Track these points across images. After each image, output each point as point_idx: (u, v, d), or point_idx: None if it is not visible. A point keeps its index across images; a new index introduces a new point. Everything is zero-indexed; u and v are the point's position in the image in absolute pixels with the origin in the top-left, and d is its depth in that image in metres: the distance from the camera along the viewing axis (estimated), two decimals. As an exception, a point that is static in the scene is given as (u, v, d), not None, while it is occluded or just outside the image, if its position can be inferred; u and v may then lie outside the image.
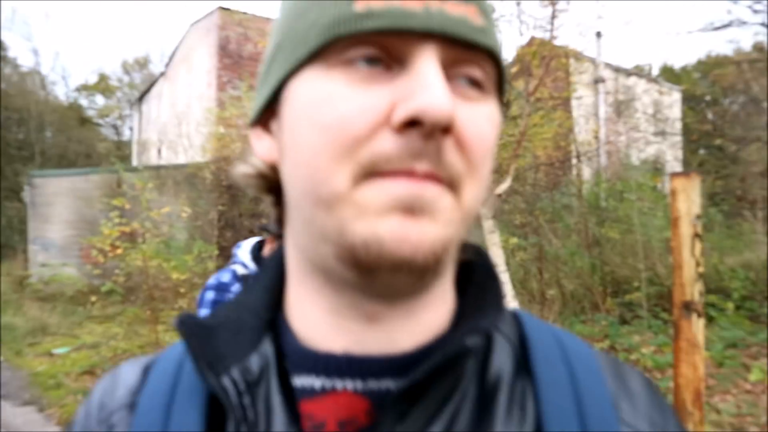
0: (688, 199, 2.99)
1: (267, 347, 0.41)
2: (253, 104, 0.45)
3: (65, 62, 50.04)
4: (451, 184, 0.36)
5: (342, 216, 0.36)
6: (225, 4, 14.00)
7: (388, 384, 0.39)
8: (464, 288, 0.45)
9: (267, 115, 0.43)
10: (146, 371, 0.46)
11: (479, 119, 0.38)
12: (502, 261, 5.54)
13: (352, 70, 0.36)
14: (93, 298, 8.30)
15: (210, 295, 2.04)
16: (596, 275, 7.72)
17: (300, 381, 0.40)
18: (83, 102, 30.45)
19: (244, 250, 2.19)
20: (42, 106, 22.80)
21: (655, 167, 14.83)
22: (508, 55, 5.82)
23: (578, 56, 6.22)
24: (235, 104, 11.39)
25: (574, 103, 14.93)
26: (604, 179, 9.39)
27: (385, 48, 0.36)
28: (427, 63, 0.35)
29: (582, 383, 0.42)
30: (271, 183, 0.44)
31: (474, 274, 0.45)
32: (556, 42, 5.61)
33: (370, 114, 0.35)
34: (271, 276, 0.46)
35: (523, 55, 5.55)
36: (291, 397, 0.40)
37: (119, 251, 6.60)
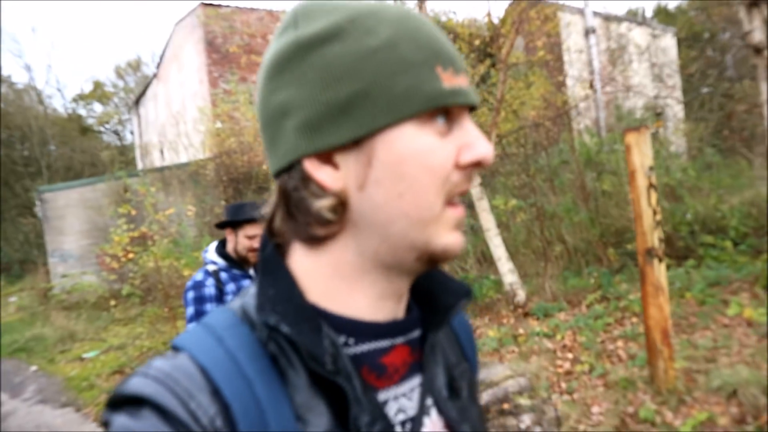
0: (641, 153, 3.19)
1: (328, 331, 0.51)
2: (308, 139, 0.50)
3: (59, 74, 50.17)
4: None
5: (430, 232, 0.51)
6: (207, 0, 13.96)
7: (413, 335, 0.58)
8: None
9: (332, 150, 0.51)
10: (203, 372, 0.48)
11: None
12: (494, 224, 5.73)
13: (434, 125, 0.51)
14: (113, 302, 8.59)
15: (191, 294, 2.34)
16: (595, 229, 7.85)
17: (371, 345, 0.54)
18: (82, 111, 30.60)
19: (211, 252, 2.49)
20: (42, 120, 22.88)
21: (656, 112, 14.77)
22: (482, 24, 5.94)
23: (549, 15, 6.26)
24: (227, 99, 11.52)
25: (566, 58, 14.86)
26: (593, 132, 9.45)
27: (448, 111, 0.52)
28: (470, 122, 0.53)
29: (464, 326, 0.72)
30: (340, 207, 0.53)
31: None
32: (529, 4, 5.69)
33: (452, 159, 0.51)
34: (289, 279, 0.55)
35: (495, 24, 5.67)
36: (357, 362, 0.53)
37: (131, 256, 6.86)
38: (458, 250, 0.53)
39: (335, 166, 0.51)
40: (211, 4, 13.94)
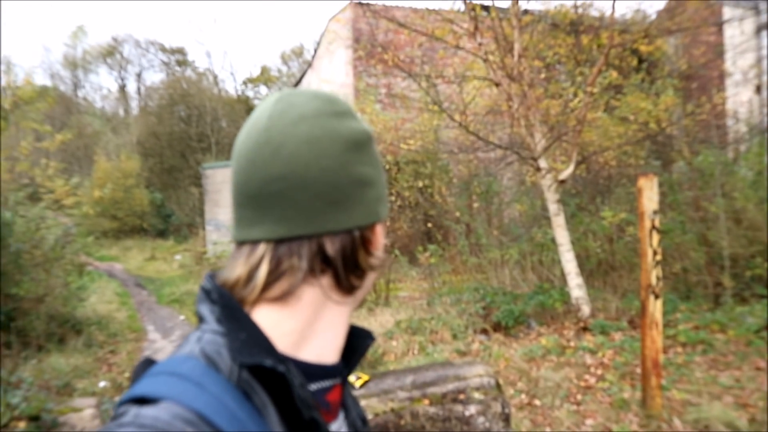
0: (649, 198, 3.45)
1: (297, 373, 0.56)
2: (382, 209, 0.65)
3: (232, 59, 56.63)
4: None
5: None
6: (358, -1, 15.08)
7: (341, 374, 0.65)
8: None
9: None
10: (203, 417, 0.49)
11: None
12: (567, 240, 6.00)
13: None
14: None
15: None
16: (699, 252, 7.55)
17: (320, 384, 0.61)
18: (250, 93, 34.18)
19: None
20: (215, 101, 26.24)
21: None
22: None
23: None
24: (370, 91, 12.52)
25: (728, 63, 13.69)
26: (715, 148, 8.92)
27: None
28: None
29: None
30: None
31: None
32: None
33: None
34: (255, 326, 0.57)
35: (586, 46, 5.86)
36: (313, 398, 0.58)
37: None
38: None
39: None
40: (360, 3, 15.03)
